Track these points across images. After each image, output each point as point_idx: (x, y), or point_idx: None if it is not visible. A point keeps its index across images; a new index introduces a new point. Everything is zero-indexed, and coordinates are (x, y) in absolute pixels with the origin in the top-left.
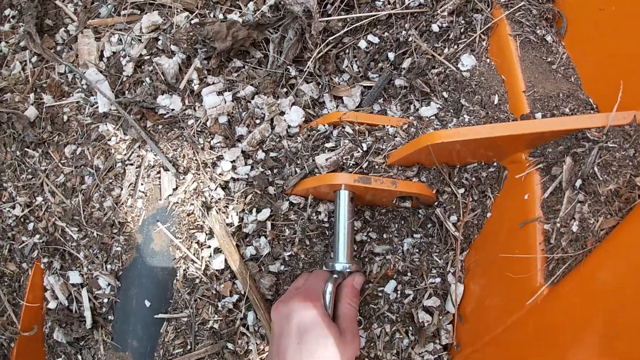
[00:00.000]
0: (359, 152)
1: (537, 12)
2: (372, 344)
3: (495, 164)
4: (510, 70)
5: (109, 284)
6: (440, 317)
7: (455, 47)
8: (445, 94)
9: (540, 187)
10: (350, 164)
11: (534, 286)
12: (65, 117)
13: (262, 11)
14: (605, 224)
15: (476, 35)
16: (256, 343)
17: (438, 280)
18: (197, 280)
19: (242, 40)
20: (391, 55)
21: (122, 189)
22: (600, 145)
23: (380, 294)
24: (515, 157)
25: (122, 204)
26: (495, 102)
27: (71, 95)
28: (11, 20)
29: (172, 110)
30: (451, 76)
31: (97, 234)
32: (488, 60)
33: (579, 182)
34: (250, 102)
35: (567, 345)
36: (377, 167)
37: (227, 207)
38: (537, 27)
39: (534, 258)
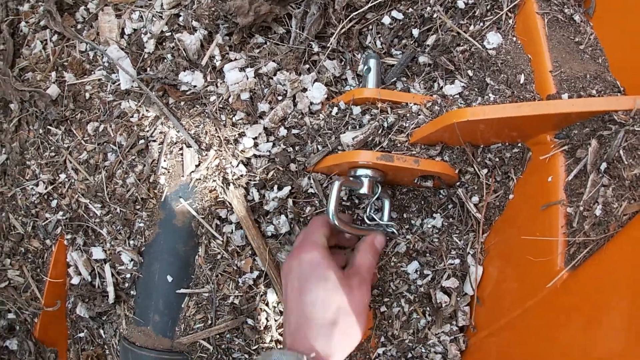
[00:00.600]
0: (382, 130)
1: None
2: (389, 322)
3: (519, 144)
4: (537, 50)
5: (132, 260)
6: (458, 299)
7: (482, 24)
8: (470, 72)
9: (565, 170)
10: (375, 142)
11: (554, 270)
12: (88, 95)
13: None
14: (628, 209)
15: (503, 12)
16: (275, 319)
17: (457, 261)
18: (219, 256)
19: (264, 16)
20: (415, 32)
21: (144, 166)
22: (627, 128)
23: (400, 273)
24: (540, 139)
25: (145, 180)
26: (522, 82)
27: (93, 73)
28: (30, 0)
29: (194, 86)
30: (476, 54)
31: (120, 210)
32: (514, 38)
33: (604, 166)
34: (272, 78)
35: (585, 330)
36: (399, 145)
37: (248, 183)
38: (565, 6)
39: (555, 241)
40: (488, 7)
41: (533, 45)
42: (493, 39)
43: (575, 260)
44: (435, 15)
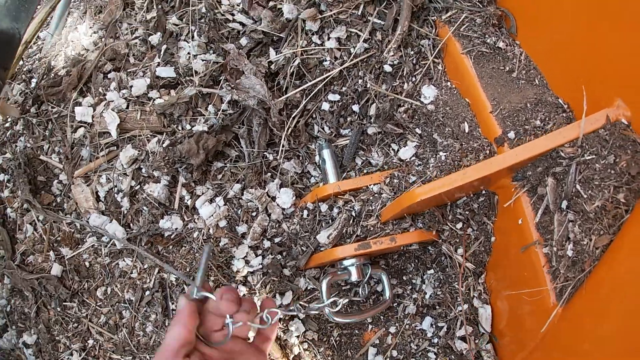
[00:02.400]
0: (352, 219)
1: (481, 20)
2: None
3: (484, 192)
4: (473, 92)
5: None
6: (477, 341)
7: (414, 79)
8: (418, 130)
9: (532, 209)
10: (350, 232)
11: (548, 307)
12: (87, 264)
13: (222, 111)
14: (599, 242)
15: (429, 62)
16: None
17: (466, 306)
18: None
19: (213, 148)
20: (356, 108)
21: (157, 314)
22: (577, 160)
23: (417, 332)
24: (501, 183)
25: (162, 326)
26: (467, 130)
27: (85, 241)
28: (7, 185)
29: (176, 229)
30: (419, 110)
31: (150, 356)
32: (449, 84)
33: (565, 203)
34: (241, 199)
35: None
36: (372, 228)
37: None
38: (487, 36)
39: (543, 281)
40: (414, 62)
41: (467, 88)
42: (428, 92)
43: (563, 296)
44: (368, 86)
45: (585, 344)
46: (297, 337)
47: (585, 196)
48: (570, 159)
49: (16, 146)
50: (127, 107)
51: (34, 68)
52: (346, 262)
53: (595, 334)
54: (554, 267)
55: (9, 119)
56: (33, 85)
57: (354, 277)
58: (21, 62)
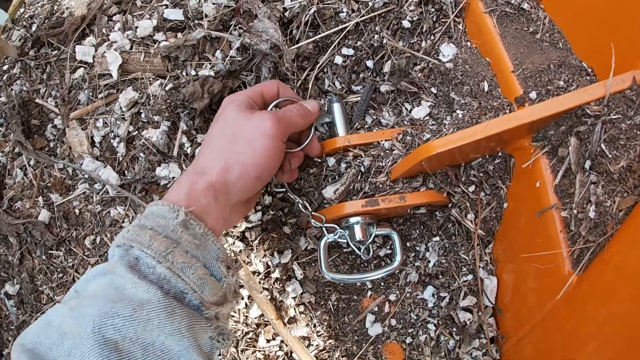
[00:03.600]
0: (360, 175)
1: None
2: (420, 351)
3: (500, 154)
4: (494, 51)
5: None
6: (480, 314)
7: (432, 38)
8: (434, 90)
9: (551, 172)
10: (357, 188)
11: (563, 275)
12: (77, 211)
13: (231, 57)
14: (622, 204)
15: (450, 20)
16: None
17: (470, 277)
18: (239, 333)
19: (219, 93)
20: (370, 64)
21: None
22: (603, 119)
23: (418, 302)
24: (519, 144)
25: None
26: (486, 89)
27: (76, 188)
28: (0, 129)
29: (173, 178)
30: (435, 69)
31: None
32: (469, 44)
33: (588, 163)
34: None
35: (604, 332)
36: (381, 186)
37: (249, 257)
38: None
39: (559, 247)
40: (434, 19)
41: (489, 47)
42: (447, 50)
43: (581, 263)
44: (384, 42)
45: (601, 315)
46: (294, 298)
47: (610, 156)
48: (595, 117)
49: (12, 89)
50: (131, 48)
51: (36, 14)
52: (352, 220)
53: (610, 307)
54: (573, 232)
55: (7, 62)
56: (34, 29)
57: (359, 236)
58: (22, 9)
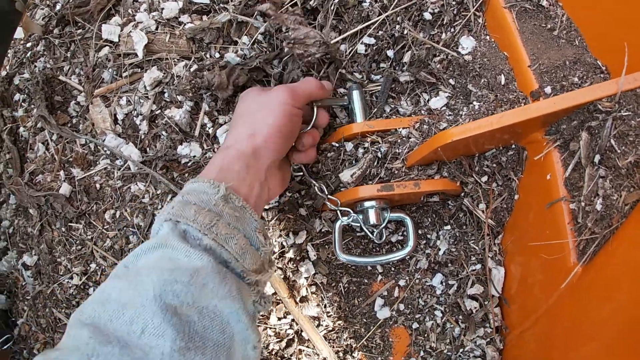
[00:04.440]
0: (377, 161)
1: None
2: (425, 336)
3: (513, 146)
4: (512, 45)
5: None
6: (486, 303)
7: (452, 30)
8: (452, 81)
9: (561, 165)
10: (373, 173)
11: (568, 266)
12: (98, 186)
13: (257, 41)
14: (628, 198)
15: (470, 13)
16: (317, 354)
17: (479, 266)
18: None
19: (243, 85)
20: (390, 53)
21: None
22: (614, 115)
23: (426, 288)
24: (533, 137)
25: None
26: (503, 82)
27: (97, 163)
28: (22, 104)
29: (194, 156)
30: (454, 61)
31: None
32: (488, 37)
33: (597, 157)
34: None
35: (607, 324)
36: (397, 172)
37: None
38: None
39: (565, 238)
40: (455, 12)
41: (507, 41)
42: (466, 43)
43: (586, 255)
44: (405, 32)
45: (604, 310)
46: (306, 278)
47: (618, 151)
48: (607, 113)
49: (35, 67)
50: (156, 29)
51: None
52: (366, 204)
53: (614, 300)
54: (580, 224)
55: (30, 39)
56: (58, 8)
57: (373, 220)
58: None
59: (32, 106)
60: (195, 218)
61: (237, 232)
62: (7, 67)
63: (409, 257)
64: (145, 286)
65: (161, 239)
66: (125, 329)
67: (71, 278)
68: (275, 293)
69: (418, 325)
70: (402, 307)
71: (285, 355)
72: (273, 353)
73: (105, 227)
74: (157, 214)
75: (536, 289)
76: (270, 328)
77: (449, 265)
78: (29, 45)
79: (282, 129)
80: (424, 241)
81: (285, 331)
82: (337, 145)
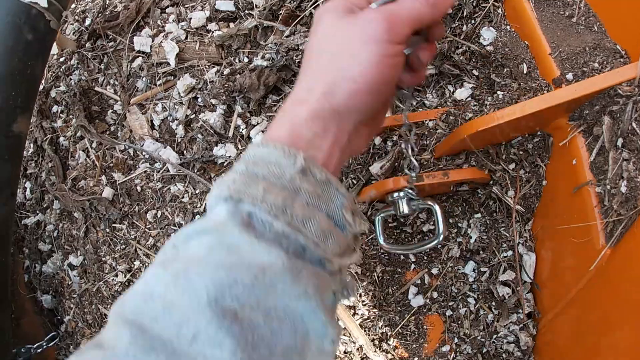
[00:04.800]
0: (406, 153)
1: None
2: (459, 323)
3: (539, 133)
4: (532, 35)
5: None
6: (518, 289)
7: (473, 22)
8: (475, 72)
9: (586, 150)
10: (403, 165)
11: (596, 248)
12: (139, 188)
13: (281, 45)
14: None
15: (489, 4)
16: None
17: (510, 253)
18: None
19: (273, 85)
20: None
21: None
22: (634, 99)
23: (459, 276)
24: (557, 123)
25: None
26: (525, 71)
27: (137, 167)
28: (61, 115)
29: (229, 157)
30: (476, 53)
31: None
32: (508, 27)
33: (620, 141)
34: None
35: (638, 307)
36: (425, 162)
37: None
38: None
39: (594, 221)
40: (474, 4)
41: (527, 31)
42: (487, 34)
43: (613, 237)
44: None
45: (634, 292)
46: None
47: None
48: (627, 97)
49: (70, 79)
50: (186, 38)
51: (88, 9)
52: (396, 195)
53: None
54: (606, 207)
55: (64, 53)
56: (88, 22)
57: (406, 210)
58: (74, 5)
59: (71, 116)
60: (264, 197)
61: (317, 211)
62: (43, 82)
63: (441, 245)
64: (197, 287)
65: (218, 223)
66: (173, 331)
67: (116, 275)
68: None
69: (452, 313)
70: (435, 294)
71: None
72: None
73: (147, 227)
74: (214, 183)
75: (567, 274)
76: None
77: (481, 252)
78: (62, 59)
79: (373, 86)
80: (455, 230)
81: None
82: None
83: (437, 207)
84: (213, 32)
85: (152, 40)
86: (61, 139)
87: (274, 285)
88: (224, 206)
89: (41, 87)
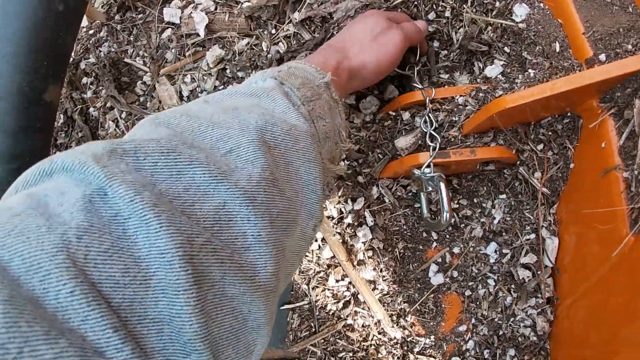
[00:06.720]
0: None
1: None
2: (477, 304)
3: (569, 114)
4: (566, 13)
5: None
6: (539, 272)
7: None
8: (507, 49)
9: (616, 133)
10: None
11: (620, 235)
12: None
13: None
14: None
15: None
16: (371, 316)
17: (533, 236)
18: (311, 272)
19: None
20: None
21: None
22: None
23: (480, 256)
24: (588, 105)
25: None
26: (557, 50)
27: None
28: (90, 86)
29: None
30: (509, 30)
31: None
32: (541, 5)
33: None
34: None
35: None
36: (453, 139)
37: (324, 203)
38: None
39: (619, 206)
40: None
41: (561, 9)
42: (520, 10)
43: (638, 224)
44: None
45: None
46: (364, 243)
47: None
48: None
49: (100, 51)
50: (215, 9)
51: None
52: (418, 172)
53: None
54: (633, 193)
55: (93, 26)
56: None
57: (429, 187)
58: None
59: (101, 88)
60: (299, 87)
61: (328, 116)
62: (72, 54)
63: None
64: (246, 117)
65: (262, 90)
66: (208, 143)
67: None
68: (334, 256)
69: (471, 293)
70: (455, 274)
71: (342, 316)
72: (330, 313)
73: None
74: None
75: (589, 259)
76: (329, 289)
77: (504, 234)
78: (91, 32)
79: (385, 68)
80: (479, 209)
81: (342, 293)
82: (393, 114)
83: (442, 185)
84: (242, 3)
85: (182, 12)
86: (91, 109)
87: (298, 140)
88: (271, 81)
89: (71, 60)
